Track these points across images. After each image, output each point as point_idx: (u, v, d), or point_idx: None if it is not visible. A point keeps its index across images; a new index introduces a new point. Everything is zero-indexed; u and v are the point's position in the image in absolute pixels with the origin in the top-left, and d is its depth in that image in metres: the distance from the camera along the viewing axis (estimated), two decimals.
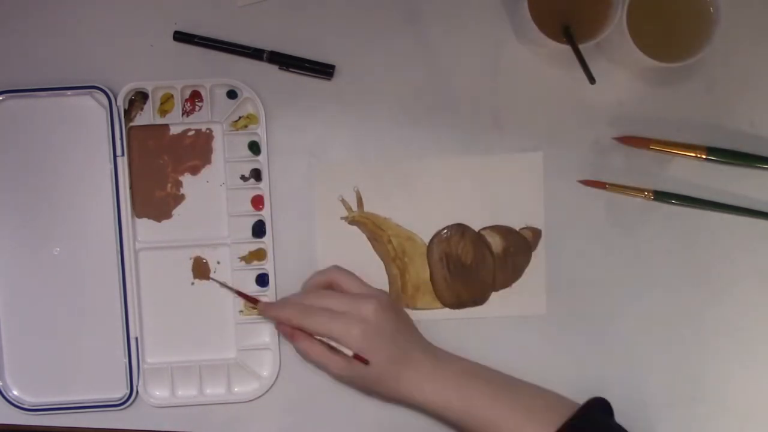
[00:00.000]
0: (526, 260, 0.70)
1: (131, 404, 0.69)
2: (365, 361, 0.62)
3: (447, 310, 0.70)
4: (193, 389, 0.70)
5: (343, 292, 0.66)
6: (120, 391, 0.70)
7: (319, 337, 0.63)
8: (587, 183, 0.70)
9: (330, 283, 0.67)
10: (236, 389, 0.70)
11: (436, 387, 0.63)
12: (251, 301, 0.68)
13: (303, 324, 0.64)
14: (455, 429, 0.66)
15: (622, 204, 0.70)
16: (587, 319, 0.68)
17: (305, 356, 0.65)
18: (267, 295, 0.70)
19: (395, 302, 0.68)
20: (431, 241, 0.70)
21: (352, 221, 0.70)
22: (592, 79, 0.61)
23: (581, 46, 0.62)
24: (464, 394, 0.62)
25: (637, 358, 0.69)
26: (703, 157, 0.69)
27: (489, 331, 0.70)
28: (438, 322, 0.70)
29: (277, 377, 0.70)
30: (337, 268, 0.68)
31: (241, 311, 0.70)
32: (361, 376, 0.64)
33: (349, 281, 0.67)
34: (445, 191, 0.70)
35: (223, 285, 0.69)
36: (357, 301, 0.64)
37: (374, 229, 0.70)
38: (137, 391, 0.69)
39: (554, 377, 0.69)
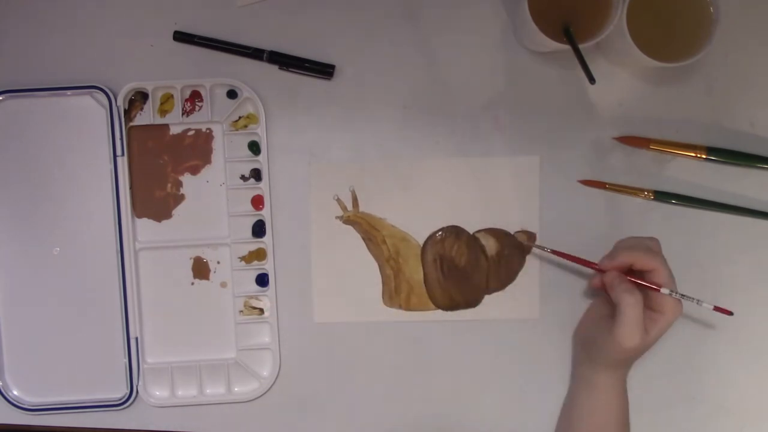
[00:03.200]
0: (520, 264, 0.70)
1: (131, 404, 0.70)
2: (729, 312, 0.62)
3: (439, 312, 0.70)
4: (193, 389, 0.70)
5: None
6: (120, 391, 0.70)
7: (666, 291, 0.61)
8: (587, 183, 0.70)
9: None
10: (236, 389, 0.70)
11: (619, 389, 0.65)
12: (587, 264, 0.66)
13: (662, 269, 0.61)
14: (579, 409, 0.67)
15: (622, 204, 0.70)
16: None
17: (627, 308, 0.61)
18: (267, 295, 0.70)
19: None
20: (426, 242, 0.70)
21: (346, 221, 0.70)
22: (592, 79, 0.61)
23: (581, 46, 0.62)
24: (618, 407, 0.65)
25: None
26: (703, 157, 0.69)
27: (481, 334, 0.70)
28: (430, 324, 0.70)
29: (277, 377, 0.70)
30: (656, 241, 0.65)
31: (241, 311, 0.70)
32: (631, 352, 0.62)
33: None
34: (441, 193, 0.70)
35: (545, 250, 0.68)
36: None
37: (369, 229, 0.70)
38: (137, 391, 0.69)
39: (548, 381, 0.69)
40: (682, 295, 0.61)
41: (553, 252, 0.67)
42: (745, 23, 0.70)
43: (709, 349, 0.70)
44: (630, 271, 0.63)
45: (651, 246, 0.64)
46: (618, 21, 0.62)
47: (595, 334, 0.65)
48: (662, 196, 0.70)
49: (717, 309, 0.62)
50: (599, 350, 0.65)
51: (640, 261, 0.62)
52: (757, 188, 0.70)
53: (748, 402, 0.70)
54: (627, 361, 0.64)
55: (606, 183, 0.70)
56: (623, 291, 0.61)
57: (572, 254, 0.66)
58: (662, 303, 0.61)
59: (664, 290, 0.61)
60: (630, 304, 0.61)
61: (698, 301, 0.62)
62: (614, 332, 0.61)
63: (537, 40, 0.64)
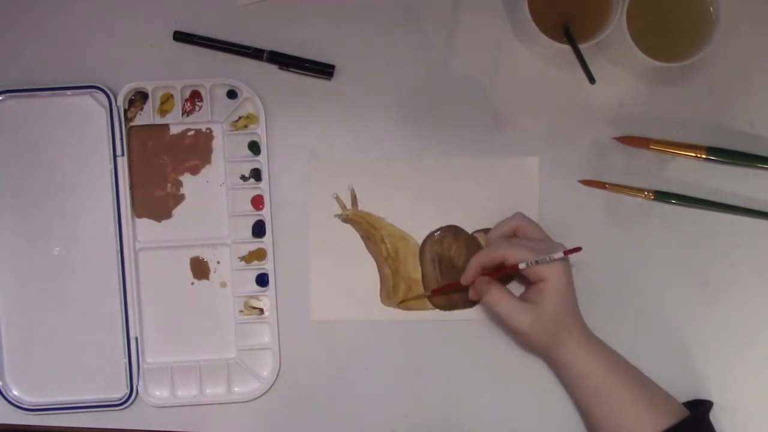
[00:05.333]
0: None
1: (131, 404, 0.69)
2: (578, 249, 0.62)
3: (437, 311, 0.70)
4: (193, 389, 0.70)
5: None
6: (120, 391, 0.70)
7: (522, 266, 0.63)
8: (587, 183, 0.70)
9: (515, 229, 0.67)
10: (236, 389, 0.70)
11: (586, 355, 0.65)
12: (455, 286, 0.68)
13: (509, 254, 0.63)
14: (574, 395, 0.67)
15: (622, 204, 0.70)
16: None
17: (493, 306, 0.64)
18: (267, 295, 0.70)
19: None
20: (424, 241, 0.70)
21: (345, 219, 0.70)
22: (592, 79, 0.61)
23: (581, 46, 0.62)
24: (609, 369, 0.64)
25: (636, 359, 0.69)
26: (703, 157, 0.69)
27: (479, 334, 0.70)
28: (428, 324, 0.70)
29: (277, 377, 0.70)
30: (522, 215, 0.67)
31: (241, 311, 0.70)
32: (533, 330, 0.63)
33: (535, 229, 0.66)
34: (440, 192, 0.70)
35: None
36: (551, 241, 0.66)
37: (368, 228, 0.70)
38: (137, 391, 0.69)
39: (545, 381, 0.69)
40: (535, 262, 0.62)
41: (434, 292, 0.70)
42: (745, 23, 0.70)
43: (710, 349, 0.70)
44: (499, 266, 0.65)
45: (492, 242, 0.67)
46: (618, 21, 0.62)
47: (514, 336, 0.69)
48: (662, 196, 0.70)
49: (567, 252, 0.62)
50: (529, 344, 0.67)
51: (486, 261, 0.65)
52: (757, 188, 0.70)
53: (748, 402, 0.70)
54: (554, 331, 0.64)
55: (606, 183, 0.70)
56: (482, 295, 0.65)
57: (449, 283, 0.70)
58: (537, 273, 0.63)
59: (521, 265, 0.63)
60: (492, 302, 0.64)
61: (549, 257, 0.62)
62: (508, 328, 0.65)
63: (537, 40, 0.64)
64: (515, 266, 0.63)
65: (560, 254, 0.62)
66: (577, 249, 0.63)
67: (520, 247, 0.63)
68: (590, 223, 0.70)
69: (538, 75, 0.70)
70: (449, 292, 0.70)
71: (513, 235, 0.67)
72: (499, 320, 0.67)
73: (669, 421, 0.61)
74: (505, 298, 0.64)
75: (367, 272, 0.70)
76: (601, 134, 0.70)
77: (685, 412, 0.63)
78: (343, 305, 0.70)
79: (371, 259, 0.70)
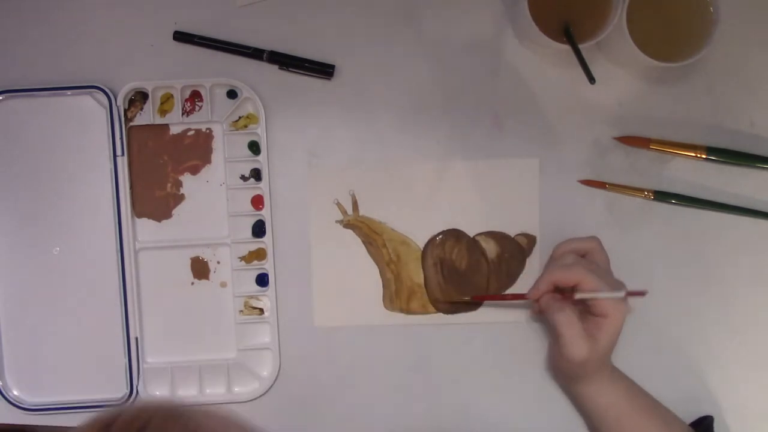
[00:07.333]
0: (521, 267, 0.70)
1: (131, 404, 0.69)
2: (642, 293, 0.61)
3: (440, 315, 0.70)
4: (193, 389, 0.70)
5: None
6: (120, 391, 0.70)
7: (578, 296, 0.62)
8: (587, 183, 0.70)
9: (588, 251, 0.65)
10: (236, 389, 0.70)
11: (611, 386, 0.65)
12: (517, 297, 0.68)
13: (587, 281, 0.61)
14: (595, 425, 0.66)
15: (622, 204, 0.70)
16: None
17: (562, 327, 0.62)
18: (267, 295, 0.70)
19: None
20: (426, 245, 0.70)
21: (347, 225, 0.70)
22: (592, 79, 0.61)
23: (581, 46, 0.62)
24: (629, 398, 0.65)
25: (637, 359, 0.69)
26: (703, 157, 0.69)
27: (482, 337, 0.70)
28: (431, 327, 0.70)
29: (277, 377, 0.70)
30: (599, 240, 0.66)
31: (241, 311, 0.70)
32: (585, 362, 0.63)
33: (605, 260, 0.65)
34: (441, 196, 0.70)
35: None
36: (613, 277, 0.64)
37: (369, 233, 0.70)
38: (137, 391, 0.69)
39: (548, 384, 0.69)
40: (606, 297, 0.61)
41: (475, 298, 0.69)
42: (745, 23, 0.70)
43: (710, 349, 0.70)
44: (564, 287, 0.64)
45: (568, 262, 0.64)
46: (618, 21, 0.62)
47: (556, 359, 0.67)
48: (662, 196, 0.70)
49: (628, 293, 0.61)
50: (567, 372, 0.66)
51: (562, 280, 0.63)
52: (757, 188, 0.70)
53: (748, 402, 0.70)
54: (597, 367, 0.64)
55: (606, 183, 0.70)
56: (554, 312, 0.62)
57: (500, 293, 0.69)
58: (603, 307, 0.62)
59: (577, 295, 0.62)
60: (562, 322, 0.62)
61: (614, 294, 0.61)
62: (562, 352, 0.63)
63: (537, 40, 0.64)
64: (572, 296, 0.62)
65: (621, 294, 0.61)
66: (642, 293, 0.62)
67: (599, 278, 0.62)
68: (590, 223, 0.70)
69: (538, 75, 0.70)
70: (499, 300, 0.69)
71: (584, 256, 0.66)
72: (555, 339, 0.65)
73: None
74: (574, 323, 0.62)
75: (369, 277, 0.70)
76: (601, 134, 0.70)
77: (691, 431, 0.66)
78: (346, 311, 0.70)
79: (373, 263, 0.70)
